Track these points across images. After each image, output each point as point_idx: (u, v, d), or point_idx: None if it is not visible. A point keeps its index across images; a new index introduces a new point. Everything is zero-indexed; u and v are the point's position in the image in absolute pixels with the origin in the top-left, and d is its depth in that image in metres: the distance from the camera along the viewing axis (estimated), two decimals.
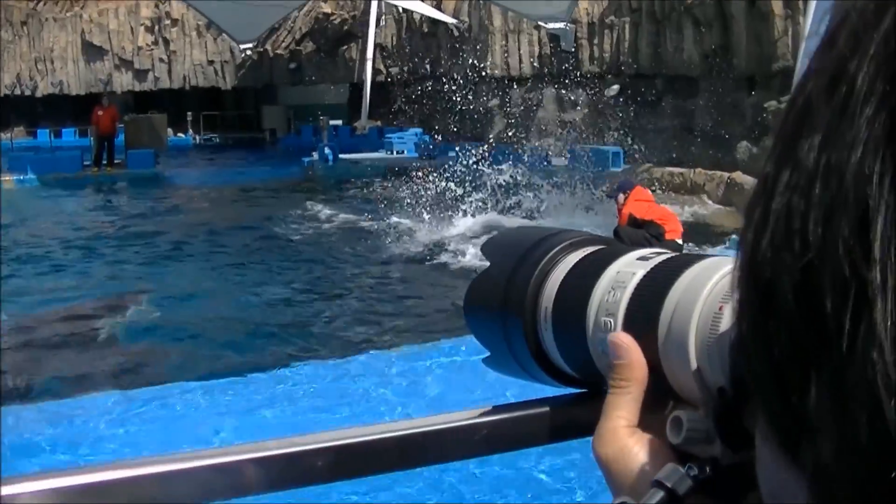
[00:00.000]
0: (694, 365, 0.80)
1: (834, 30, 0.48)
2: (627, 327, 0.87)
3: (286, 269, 18.38)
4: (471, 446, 1.22)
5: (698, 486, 0.78)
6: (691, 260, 0.86)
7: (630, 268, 0.90)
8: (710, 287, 0.80)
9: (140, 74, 51.63)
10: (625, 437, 0.84)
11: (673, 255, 0.91)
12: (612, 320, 0.89)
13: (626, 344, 0.86)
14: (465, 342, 10.63)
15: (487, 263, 1.07)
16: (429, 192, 24.04)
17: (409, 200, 23.74)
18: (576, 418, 1.11)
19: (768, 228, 0.52)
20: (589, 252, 0.99)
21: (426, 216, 22.68)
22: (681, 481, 0.78)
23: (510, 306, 1.01)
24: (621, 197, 14.81)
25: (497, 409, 1.20)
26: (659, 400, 0.86)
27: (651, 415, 0.86)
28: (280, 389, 10.50)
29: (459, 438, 1.21)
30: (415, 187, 24.42)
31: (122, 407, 9.90)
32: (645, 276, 0.88)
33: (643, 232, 14.11)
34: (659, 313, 0.84)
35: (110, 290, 16.44)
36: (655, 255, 0.91)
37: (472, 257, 17.69)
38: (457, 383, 9.90)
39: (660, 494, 0.77)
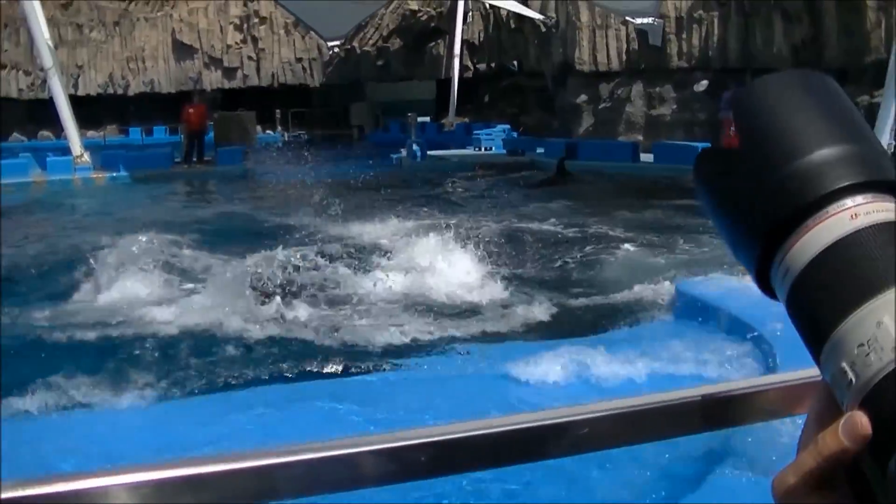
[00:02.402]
0: None
1: None
2: (864, 407, 0.74)
3: None
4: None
5: None
6: None
7: (890, 322, 0.73)
8: None
9: (229, 72, 52.21)
10: (805, 498, 0.79)
11: None
12: (853, 378, 0.75)
13: (856, 426, 0.75)
14: None
15: None
16: None
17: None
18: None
19: None
20: (873, 224, 0.76)
21: None
22: None
23: (745, 237, 0.82)
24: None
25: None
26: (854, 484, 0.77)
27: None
28: None
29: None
30: None
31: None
32: None
33: None
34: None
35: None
36: None
37: None
38: None
39: None
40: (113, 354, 11.68)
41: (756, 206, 0.79)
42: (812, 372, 0.96)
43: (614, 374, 9.65)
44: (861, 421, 0.74)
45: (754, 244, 0.80)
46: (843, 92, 0.84)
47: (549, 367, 9.84)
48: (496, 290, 14.67)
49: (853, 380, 0.74)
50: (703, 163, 0.87)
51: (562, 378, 9.69)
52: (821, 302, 0.77)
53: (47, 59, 33.57)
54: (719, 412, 1.33)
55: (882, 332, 0.72)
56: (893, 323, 0.72)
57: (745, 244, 0.82)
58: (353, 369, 11.15)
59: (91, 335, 12.85)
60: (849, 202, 0.77)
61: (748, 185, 0.80)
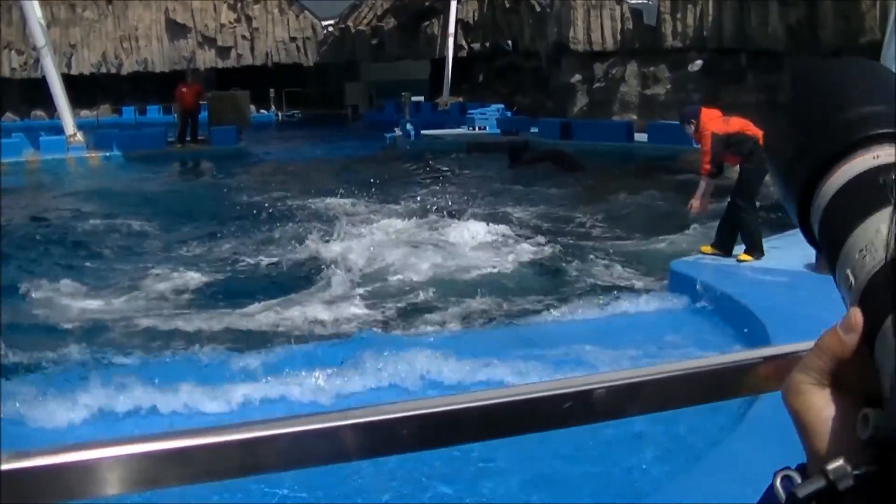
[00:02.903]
0: (891, 371, 0.78)
1: None
2: (862, 304, 0.84)
3: None
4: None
5: (861, 486, 0.78)
6: None
7: (888, 231, 0.84)
8: None
9: (223, 52, 52.13)
10: (811, 395, 0.86)
11: None
12: (853, 280, 0.86)
13: (852, 321, 0.84)
14: None
15: None
16: None
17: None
18: None
19: None
20: (881, 164, 0.90)
21: None
22: (844, 478, 0.79)
23: (791, 185, 0.96)
24: (691, 126, 14.09)
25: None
26: (863, 382, 0.84)
27: (849, 394, 0.85)
28: None
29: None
30: None
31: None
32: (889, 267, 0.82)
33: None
34: (885, 315, 0.80)
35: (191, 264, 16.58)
36: None
37: None
38: None
39: (820, 483, 0.79)
40: None
41: (804, 149, 0.96)
42: (802, 346, 1.05)
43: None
44: (855, 315, 0.83)
45: (798, 185, 0.95)
46: (885, 73, 0.99)
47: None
48: None
49: (853, 282, 0.85)
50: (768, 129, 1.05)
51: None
52: (837, 222, 0.90)
53: (40, 37, 33.50)
54: (710, 385, 1.35)
55: (878, 237, 0.84)
56: (887, 229, 0.84)
57: (793, 187, 0.97)
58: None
59: None
60: (875, 148, 0.91)
61: (799, 135, 0.97)
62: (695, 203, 14.11)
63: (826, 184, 0.92)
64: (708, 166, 13.45)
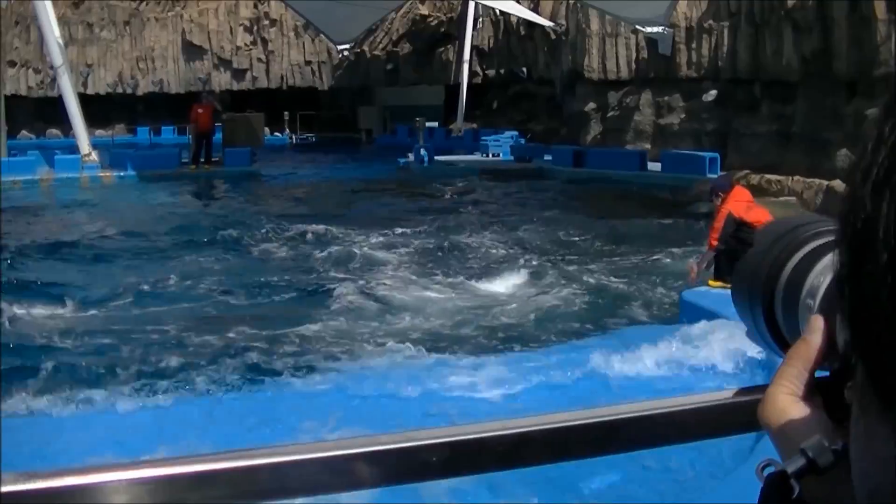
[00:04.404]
0: (841, 347, 0.84)
1: None
2: (822, 310, 0.93)
3: None
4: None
5: (840, 460, 0.80)
6: None
7: None
8: None
9: (238, 74, 52.30)
10: (783, 403, 0.89)
11: None
12: (812, 302, 0.95)
13: (814, 325, 0.91)
14: None
15: None
16: None
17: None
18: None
19: (870, 179, 0.59)
20: (827, 241, 1.01)
21: None
22: (823, 453, 0.82)
23: (756, 286, 1.06)
24: (718, 199, 14.23)
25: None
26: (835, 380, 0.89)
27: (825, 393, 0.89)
28: None
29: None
30: None
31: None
32: None
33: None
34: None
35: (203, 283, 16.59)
36: None
37: None
38: None
39: (801, 462, 0.82)
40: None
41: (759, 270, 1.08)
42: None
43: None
44: (816, 319, 0.91)
45: (759, 289, 1.07)
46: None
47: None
48: None
49: (813, 304, 0.96)
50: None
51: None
52: (796, 281, 1.01)
53: (57, 57, 33.64)
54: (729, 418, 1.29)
55: (831, 262, 0.89)
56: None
57: (756, 295, 1.08)
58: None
59: None
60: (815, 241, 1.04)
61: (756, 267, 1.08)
62: (694, 268, 14.22)
63: (784, 269, 1.03)
64: (715, 242, 13.51)
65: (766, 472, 0.86)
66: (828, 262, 0.96)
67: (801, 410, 0.88)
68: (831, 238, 0.99)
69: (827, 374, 0.92)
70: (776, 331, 1.06)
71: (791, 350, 0.92)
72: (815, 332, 0.90)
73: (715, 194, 14.14)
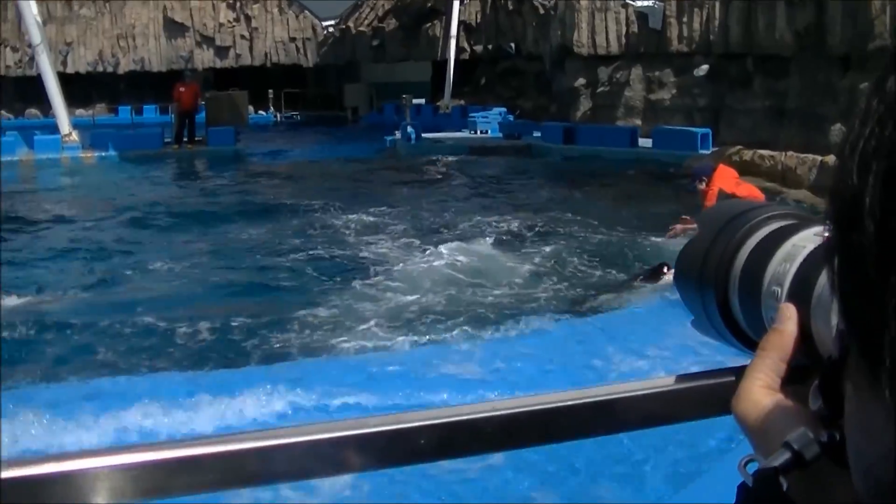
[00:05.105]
0: (834, 332, 0.79)
1: None
2: (791, 297, 0.93)
3: None
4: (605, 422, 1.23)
5: (826, 452, 0.79)
6: None
7: (804, 242, 0.95)
8: None
9: (221, 51, 51.90)
10: (759, 397, 0.87)
11: None
12: (779, 290, 0.95)
13: (786, 314, 0.90)
14: None
15: None
16: None
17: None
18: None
19: (857, 151, 0.60)
20: (782, 225, 1.01)
21: None
22: (809, 445, 0.80)
23: (706, 275, 1.05)
24: (702, 184, 14.14)
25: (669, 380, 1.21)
26: (809, 369, 0.87)
27: (801, 385, 0.87)
28: None
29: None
30: None
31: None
32: (814, 249, 0.92)
33: None
34: (815, 284, 0.88)
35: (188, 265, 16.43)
36: None
37: None
38: None
39: (786, 455, 0.80)
40: None
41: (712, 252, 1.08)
42: None
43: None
44: (787, 307, 0.92)
45: (712, 275, 1.07)
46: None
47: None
48: None
49: (780, 292, 0.96)
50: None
51: None
52: (754, 265, 1.02)
53: (36, 35, 33.33)
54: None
55: (795, 249, 0.97)
56: (811, 235, 0.97)
57: (707, 283, 1.08)
58: None
59: None
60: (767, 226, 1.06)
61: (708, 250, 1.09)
62: (677, 227, 14.09)
63: (737, 257, 1.04)
64: None
65: (749, 469, 0.83)
66: (790, 248, 0.96)
67: (779, 403, 0.86)
68: (785, 223, 1.02)
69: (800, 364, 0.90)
70: (730, 320, 1.05)
71: (763, 341, 0.91)
72: (787, 320, 0.89)
73: (699, 180, 14.25)
